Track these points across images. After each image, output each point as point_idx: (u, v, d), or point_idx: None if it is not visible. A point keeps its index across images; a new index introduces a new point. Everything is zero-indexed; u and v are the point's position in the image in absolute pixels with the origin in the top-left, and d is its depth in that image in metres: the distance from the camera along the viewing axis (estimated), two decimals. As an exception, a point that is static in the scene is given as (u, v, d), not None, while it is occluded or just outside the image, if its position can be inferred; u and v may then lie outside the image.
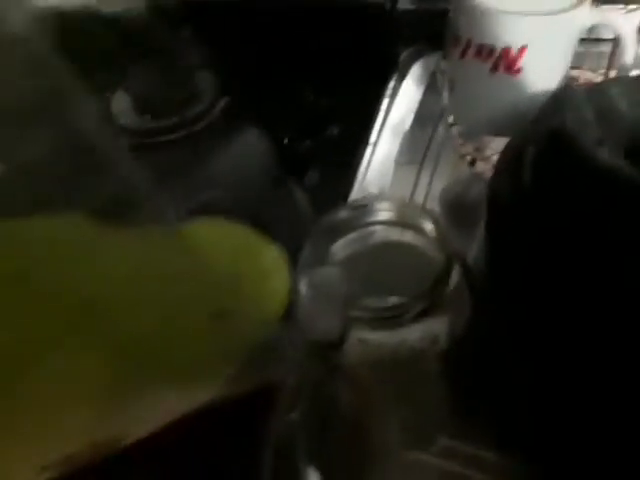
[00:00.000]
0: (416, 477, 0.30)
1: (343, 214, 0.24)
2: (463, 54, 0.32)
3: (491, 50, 0.31)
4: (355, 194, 0.42)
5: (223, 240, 0.19)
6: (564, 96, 0.24)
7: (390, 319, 0.22)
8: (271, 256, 0.20)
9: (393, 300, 0.22)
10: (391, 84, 0.49)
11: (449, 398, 0.28)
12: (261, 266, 0.20)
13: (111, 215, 0.13)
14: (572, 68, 0.37)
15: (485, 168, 0.41)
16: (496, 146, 0.41)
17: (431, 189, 0.41)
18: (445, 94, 0.39)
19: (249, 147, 0.27)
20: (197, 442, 0.29)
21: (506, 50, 0.31)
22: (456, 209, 0.41)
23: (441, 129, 0.45)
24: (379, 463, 0.30)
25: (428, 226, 0.23)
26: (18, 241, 0.13)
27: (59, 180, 0.12)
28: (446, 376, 0.26)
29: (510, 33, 0.30)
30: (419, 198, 0.40)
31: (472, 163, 0.42)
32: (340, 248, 0.24)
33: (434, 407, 0.28)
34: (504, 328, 0.27)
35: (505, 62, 0.31)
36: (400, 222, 0.24)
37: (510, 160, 0.25)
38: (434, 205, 0.40)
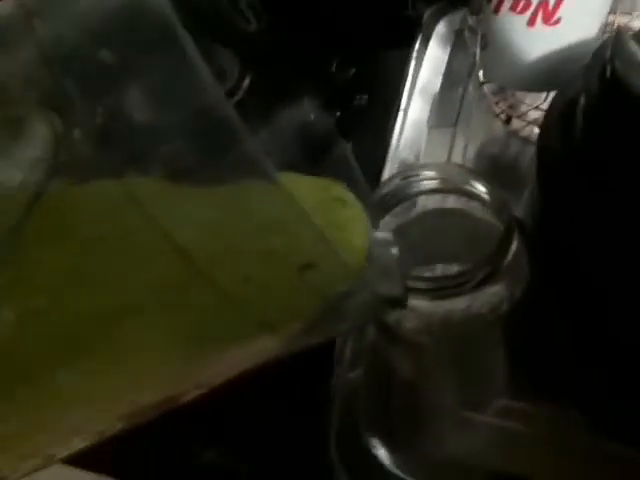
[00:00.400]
0: (473, 436, 0.30)
1: (392, 185, 0.23)
2: (497, 9, 0.31)
3: (527, 2, 0.30)
4: (390, 161, 0.41)
5: (307, 191, 0.19)
6: (614, 43, 0.23)
7: (449, 289, 0.22)
8: (355, 207, 0.20)
9: (453, 269, 0.21)
10: (416, 46, 0.48)
11: (507, 362, 0.28)
12: (344, 217, 0.20)
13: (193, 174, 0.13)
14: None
15: (521, 125, 0.40)
16: (531, 102, 0.40)
17: (467, 151, 0.41)
18: (477, 52, 0.37)
19: (287, 121, 0.27)
20: (260, 399, 0.30)
21: (543, 1, 0.29)
22: (494, 170, 0.40)
23: (472, 88, 0.44)
24: (436, 423, 0.30)
25: (481, 190, 0.23)
26: (104, 203, 0.13)
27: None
28: (505, 341, 0.26)
29: (546, -18, 0.29)
30: (456, 161, 0.39)
31: (507, 121, 0.41)
32: (393, 219, 0.23)
33: (491, 371, 0.28)
34: (559, 289, 0.27)
35: (543, 14, 0.30)
36: (451, 188, 0.24)
37: (560, 114, 0.25)
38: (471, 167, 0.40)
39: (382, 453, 0.29)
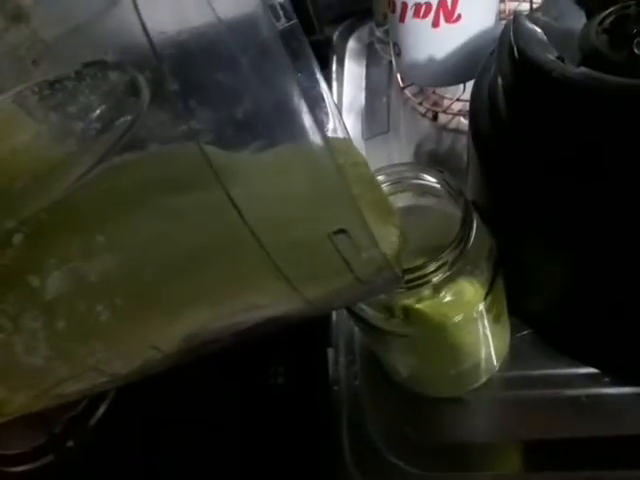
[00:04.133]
0: (478, 415, 0.31)
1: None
2: (402, 18, 0.34)
3: (428, 7, 0.32)
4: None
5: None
6: (514, 27, 0.25)
7: (425, 276, 0.23)
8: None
9: (421, 261, 0.22)
10: (333, 67, 0.50)
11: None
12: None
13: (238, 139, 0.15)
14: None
15: (448, 119, 0.43)
16: (451, 95, 0.42)
17: (404, 154, 0.43)
18: (393, 60, 0.40)
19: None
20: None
21: (442, 3, 0.32)
22: (434, 164, 0.42)
23: (394, 95, 0.46)
24: (440, 411, 0.31)
25: (432, 180, 0.24)
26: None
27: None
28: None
29: (441, -14, 0.32)
30: (398, 164, 0.41)
31: (434, 118, 0.43)
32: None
33: (482, 346, 0.29)
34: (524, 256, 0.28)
35: (444, 14, 0.32)
36: (405, 186, 0.25)
37: (482, 99, 0.27)
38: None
39: (394, 453, 0.30)
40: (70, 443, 0.30)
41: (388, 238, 0.22)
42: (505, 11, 0.45)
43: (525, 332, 0.31)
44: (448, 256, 0.22)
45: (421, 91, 0.44)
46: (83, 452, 0.30)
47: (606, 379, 0.29)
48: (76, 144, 0.15)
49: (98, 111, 0.15)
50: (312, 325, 0.27)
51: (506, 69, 0.25)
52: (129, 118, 0.15)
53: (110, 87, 0.15)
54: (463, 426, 0.30)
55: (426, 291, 0.24)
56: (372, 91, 0.48)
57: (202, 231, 0.16)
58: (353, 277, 0.17)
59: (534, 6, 0.41)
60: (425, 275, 0.22)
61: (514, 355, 0.30)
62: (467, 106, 0.37)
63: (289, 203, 0.16)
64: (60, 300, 0.16)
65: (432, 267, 0.22)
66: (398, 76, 0.44)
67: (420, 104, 0.44)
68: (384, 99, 0.47)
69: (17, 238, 0.15)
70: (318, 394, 0.30)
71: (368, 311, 0.25)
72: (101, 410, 0.30)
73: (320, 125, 0.15)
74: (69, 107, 0.15)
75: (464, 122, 0.41)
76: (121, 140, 0.15)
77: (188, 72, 0.14)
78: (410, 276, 0.23)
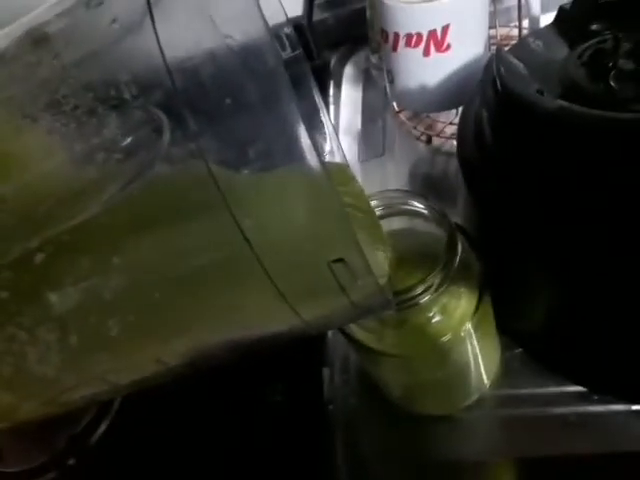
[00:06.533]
0: (473, 434, 0.32)
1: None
2: (395, 47, 0.35)
3: (418, 37, 0.34)
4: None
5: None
6: (497, 60, 0.27)
7: (412, 299, 0.24)
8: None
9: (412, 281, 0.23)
10: (330, 91, 0.52)
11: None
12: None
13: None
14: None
15: (441, 142, 0.44)
16: (445, 119, 0.44)
17: (399, 176, 0.44)
18: (387, 86, 0.41)
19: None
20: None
21: (432, 33, 0.33)
22: (428, 186, 0.43)
23: (389, 119, 0.48)
24: (434, 430, 0.32)
25: (420, 206, 0.25)
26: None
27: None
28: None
29: (430, 18, 0.33)
30: (392, 187, 0.42)
31: (428, 141, 0.44)
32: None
33: (472, 366, 0.30)
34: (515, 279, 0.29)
35: (434, 44, 0.34)
36: (395, 211, 0.26)
37: (469, 127, 0.28)
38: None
39: (388, 472, 0.31)
40: (72, 461, 0.31)
41: (379, 264, 0.24)
42: (496, 37, 0.46)
43: (515, 351, 0.31)
44: (434, 279, 0.23)
45: (415, 115, 0.46)
46: (84, 470, 0.31)
47: (594, 397, 0.30)
48: (99, 173, 0.17)
49: (122, 143, 0.16)
50: (308, 344, 0.27)
51: (490, 101, 0.26)
52: (151, 151, 0.16)
53: (134, 121, 0.16)
54: (454, 444, 0.30)
55: (414, 312, 0.25)
56: (368, 115, 0.49)
57: (207, 254, 0.17)
58: (348, 301, 0.18)
59: (523, 33, 0.43)
60: (413, 297, 0.23)
61: (504, 373, 0.31)
62: (458, 131, 0.39)
63: (290, 229, 0.17)
64: (74, 315, 0.17)
65: (419, 289, 0.23)
66: (393, 101, 0.45)
67: (414, 127, 0.45)
68: (379, 122, 0.48)
69: (39, 257, 0.17)
70: (313, 413, 0.31)
71: (359, 332, 0.26)
72: (102, 428, 0.31)
73: (320, 152, 0.16)
74: (95, 138, 0.17)
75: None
76: (143, 170, 0.16)
77: (194, 94, 0.15)
78: (398, 298, 0.23)
